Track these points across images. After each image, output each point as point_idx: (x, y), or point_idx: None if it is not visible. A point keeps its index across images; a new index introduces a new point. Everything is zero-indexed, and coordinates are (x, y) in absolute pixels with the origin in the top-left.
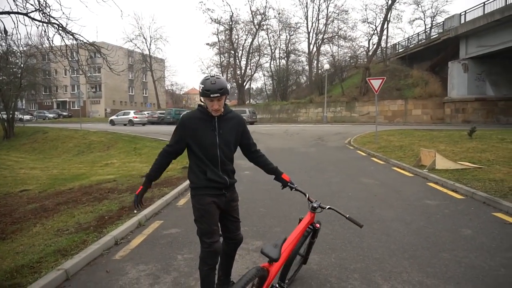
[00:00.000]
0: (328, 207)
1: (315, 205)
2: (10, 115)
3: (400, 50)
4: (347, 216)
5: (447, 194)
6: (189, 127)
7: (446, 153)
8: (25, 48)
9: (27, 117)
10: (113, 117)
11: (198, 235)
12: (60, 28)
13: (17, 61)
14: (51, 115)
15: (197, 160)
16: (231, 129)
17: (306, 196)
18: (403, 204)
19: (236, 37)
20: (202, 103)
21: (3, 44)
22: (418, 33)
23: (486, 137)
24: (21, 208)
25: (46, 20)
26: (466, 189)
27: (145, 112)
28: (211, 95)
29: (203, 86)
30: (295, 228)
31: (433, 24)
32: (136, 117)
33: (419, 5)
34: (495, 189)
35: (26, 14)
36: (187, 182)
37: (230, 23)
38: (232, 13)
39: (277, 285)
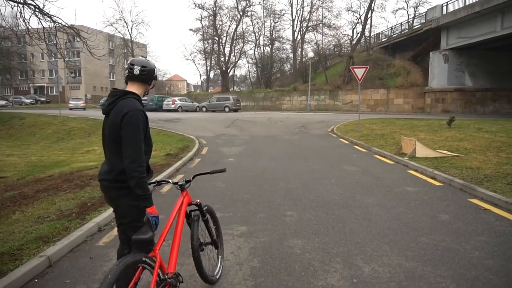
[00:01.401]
0: (192, 176)
1: (180, 182)
2: None
3: (383, 40)
4: (210, 171)
5: (426, 181)
6: (147, 119)
7: (426, 142)
8: None
9: (2, 102)
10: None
11: (136, 241)
12: (37, 10)
13: None
14: (28, 101)
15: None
16: None
17: (170, 182)
18: (384, 190)
19: (220, 23)
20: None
21: None
22: (401, 23)
23: (464, 127)
24: None
25: (22, 1)
26: (444, 176)
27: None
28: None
29: (156, 68)
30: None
31: (416, 15)
32: None
33: None
34: (471, 176)
35: None
36: (171, 168)
37: (214, 8)
38: None
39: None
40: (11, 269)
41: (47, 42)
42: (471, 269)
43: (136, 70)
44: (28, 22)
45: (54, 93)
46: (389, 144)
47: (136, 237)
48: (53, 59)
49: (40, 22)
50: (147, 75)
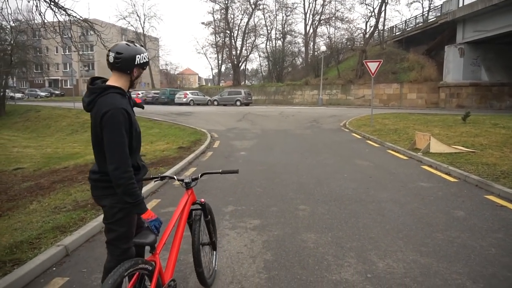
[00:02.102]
0: (200, 174)
1: (187, 180)
2: (1, 93)
3: (397, 33)
4: (221, 171)
5: (440, 177)
6: (130, 116)
7: (440, 137)
8: (14, 24)
9: (18, 95)
10: None
11: (109, 241)
12: (52, 3)
13: (7, 37)
14: (43, 94)
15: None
16: None
17: (175, 179)
18: (397, 186)
19: (232, 16)
20: (116, 86)
21: None
22: (416, 16)
23: (479, 122)
24: (16, 186)
25: None
26: (459, 172)
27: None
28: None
29: (146, 53)
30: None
31: (431, 8)
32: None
33: None
34: (487, 172)
35: None
36: (184, 161)
37: (226, 1)
38: None
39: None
40: (30, 257)
41: (62, 35)
42: (488, 266)
43: (111, 57)
44: (44, 16)
45: (68, 86)
46: (403, 139)
47: (137, 240)
48: (67, 53)
49: (56, 15)
50: (122, 63)
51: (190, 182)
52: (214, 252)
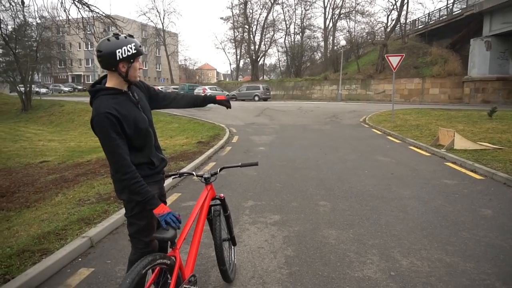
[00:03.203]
0: (219, 168)
1: (206, 175)
2: (27, 88)
3: (419, 27)
4: (240, 164)
5: (465, 174)
6: (119, 117)
7: (464, 133)
8: (39, 21)
9: (43, 90)
10: None
11: (131, 234)
12: (77, 0)
13: (33, 34)
14: (66, 89)
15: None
16: (143, 96)
17: (194, 175)
18: (420, 182)
19: (251, 11)
20: (106, 86)
21: (20, 16)
22: (440, 8)
23: (507, 118)
24: (42, 179)
25: None
26: (486, 170)
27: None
28: (143, 52)
29: (134, 44)
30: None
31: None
32: None
33: None
34: None
35: None
36: (203, 156)
37: None
38: None
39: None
40: (57, 247)
41: (85, 30)
42: None
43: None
44: (69, 12)
45: (91, 81)
46: (425, 135)
47: (157, 235)
48: (89, 49)
49: (79, 11)
50: (104, 61)
51: (209, 177)
52: (233, 246)
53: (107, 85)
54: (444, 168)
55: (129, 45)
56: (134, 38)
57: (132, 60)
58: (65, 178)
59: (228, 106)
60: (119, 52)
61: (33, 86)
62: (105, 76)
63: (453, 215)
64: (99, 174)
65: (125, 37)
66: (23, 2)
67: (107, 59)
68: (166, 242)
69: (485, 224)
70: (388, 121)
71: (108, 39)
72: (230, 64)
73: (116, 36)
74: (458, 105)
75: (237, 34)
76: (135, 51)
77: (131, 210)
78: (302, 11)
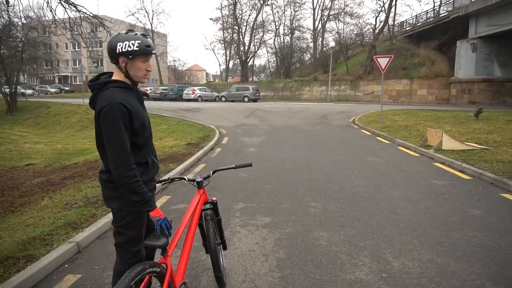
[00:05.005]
0: (211, 171)
1: (198, 179)
2: (13, 89)
3: (407, 28)
4: (234, 166)
5: (454, 175)
6: (130, 111)
7: (452, 134)
8: (25, 21)
9: (29, 91)
10: None
11: (118, 243)
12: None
13: (18, 34)
14: (53, 90)
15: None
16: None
17: (185, 179)
18: (410, 183)
19: (240, 12)
20: (116, 79)
21: (5, 16)
22: (427, 11)
23: (492, 119)
24: (27, 182)
25: None
26: (474, 170)
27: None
28: (153, 52)
29: (139, 42)
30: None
31: (442, 2)
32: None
33: None
34: (503, 170)
35: None
36: (193, 158)
37: None
38: None
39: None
40: (43, 254)
41: (72, 31)
42: (508, 267)
43: None
44: (55, 12)
45: (78, 83)
46: (413, 135)
47: (148, 243)
48: (76, 49)
49: (66, 11)
50: (109, 54)
51: (201, 181)
52: (223, 251)
53: (114, 78)
54: (433, 169)
55: (132, 41)
56: (147, 38)
57: (130, 57)
58: (52, 181)
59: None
60: (119, 45)
61: (18, 87)
62: (103, 74)
63: (442, 216)
64: (87, 177)
65: (135, 34)
66: (7, 2)
67: (111, 52)
68: (155, 249)
69: (474, 224)
70: (377, 122)
71: (119, 33)
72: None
73: (128, 31)
74: (445, 106)
75: (227, 35)
76: (137, 48)
77: (121, 219)
78: (291, 12)
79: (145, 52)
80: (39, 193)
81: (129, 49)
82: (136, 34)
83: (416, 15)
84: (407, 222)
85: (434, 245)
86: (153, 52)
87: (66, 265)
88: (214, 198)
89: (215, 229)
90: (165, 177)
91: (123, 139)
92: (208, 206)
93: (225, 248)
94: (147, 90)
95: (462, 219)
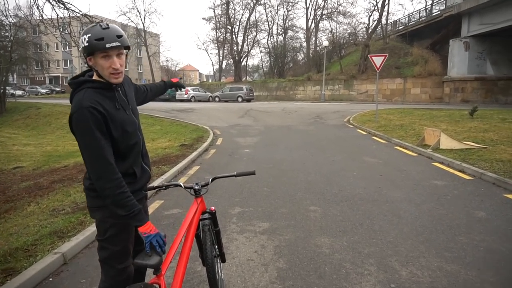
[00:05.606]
0: (210, 179)
1: (196, 187)
2: (1, 90)
3: (400, 28)
4: (235, 173)
5: (454, 175)
6: (105, 115)
7: (448, 133)
8: (14, 20)
9: (19, 92)
10: None
11: (102, 259)
12: None
13: (6, 34)
14: (43, 91)
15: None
16: (133, 96)
17: (182, 186)
18: (410, 184)
19: (233, 11)
20: (91, 78)
21: None
22: (419, 10)
23: (487, 117)
24: (14, 186)
25: None
26: (474, 170)
27: None
28: (107, 45)
29: (89, 35)
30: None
31: (434, 1)
32: None
33: None
34: (503, 169)
35: None
36: (187, 159)
37: None
38: None
39: None
40: (25, 266)
41: (61, 30)
42: None
43: None
44: (42, 10)
45: None
46: (410, 135)
47: (139, 262)
48: (67, 50)
49: (54, 9)
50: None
51: (199, 189)
52: (222, 264)
53: (94, 78)
54: (432, 169)
55: (84, 36)
56: (103, 29)
57: (85, 54)
58: (40, 185)
59: (182, 86)
60: (83, 41)
61: (7, 88)
62: (90, 70)
63: (447, 218)
64: (76, 180)
65: (92, 27)
66: None
67: (83, 49)
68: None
69: (481, 228)
70: (372, 121)
71: (91, 26)
72: (212, 65)
73: (95, 24)
74: (439, 105)
75: (220, 34)
76: (87, 44)
77: (104, 233)
78: (284, 11)
79: (96, 47)
80: (26, 198)
81: (82, 45)
82: (93, 26)
83: (409, 14)
84: (411, 226)
85: (442, 251)
86: (110, 45)
87: (51, 279)
88: (213, 208)
89: (213, 240)
90: (158, 181)
91: (100, 147)
92: (206, 215)
93: (223, 260)
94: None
95: (467, 222)
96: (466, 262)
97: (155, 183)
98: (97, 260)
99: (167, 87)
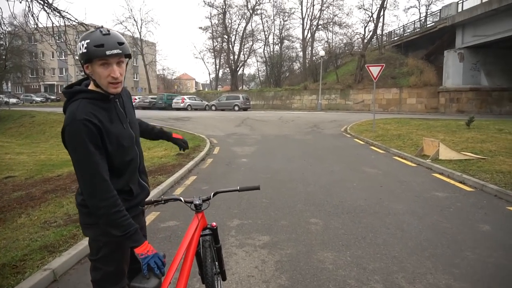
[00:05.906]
0: (212, 193)
1: (197, 202)
2: None
3: (395, 38)
4: (238, 188)
5: (455, 186)
6: (101, 127)
7: (446, 143)
8: (9, 29)
9: (13, 100)
10: None
11: (94, 281)
12: (46, 5)
13: (1, 42)
14: (38, 99)
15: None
16: (131, 108)
17: (182, 201)
18: (411, 195)
19: (230, 21)
20: (87, 88)
21: None
22: (414, 21)
23: (483, 127)
24: (5, 196)
25: None
26: (475, 181)
27: (137, 97)
28: (107, 52)
29: (88, 41)
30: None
31: (428, 13)
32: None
33: None
34: (504, 181)
35: None
36: (184, 169)
37: (224, 6)
38: None
39: None
40: (12, 284)
41: (56, 38)
42: None
43: None
44: (37, 18)
45: None
46: (408, 145)
47: (135, 285)
48: (63, 58)
49: (49, 17)
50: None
51: (200, 204)
52: (220, 280)
53: (90, 87)
54: (433, 180)
55: (83, 42)
56: (103, 35)
57: (82, 61)
58: (32, 196)
59: (185, 148)
60: (78, 48)
61: (1, 96)
62: (86, 79)
63: (451, 232)
64: (70, 190)
65: (91, 32)
66: None
67: (80, 57)
68: None
69: (487, 242)
70: (369, 131)
71: (85, 32)
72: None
73: (95, 30)
74: (434, 115)
75: (216, 44)
76: (85, 50)
77: (96, 252)
78: (280, 22)
79: (95, 53)
80: (17, 209)
81: (80, 51)
82: (92, 31)
83: (403, 25)
84: (416, 240)
85: (449, 267)
86: (110, 52)
87: None
88: (214, 224)
89: (213, 257)
90: (154, 192)
91: (95, 163)
92: (207, 231)
93: (224, 278)
94: (135, 99)
95: (472, 236)
96: (474, 279)
97: (152, 194)
98: (89, 276)
99: (159, 137)
